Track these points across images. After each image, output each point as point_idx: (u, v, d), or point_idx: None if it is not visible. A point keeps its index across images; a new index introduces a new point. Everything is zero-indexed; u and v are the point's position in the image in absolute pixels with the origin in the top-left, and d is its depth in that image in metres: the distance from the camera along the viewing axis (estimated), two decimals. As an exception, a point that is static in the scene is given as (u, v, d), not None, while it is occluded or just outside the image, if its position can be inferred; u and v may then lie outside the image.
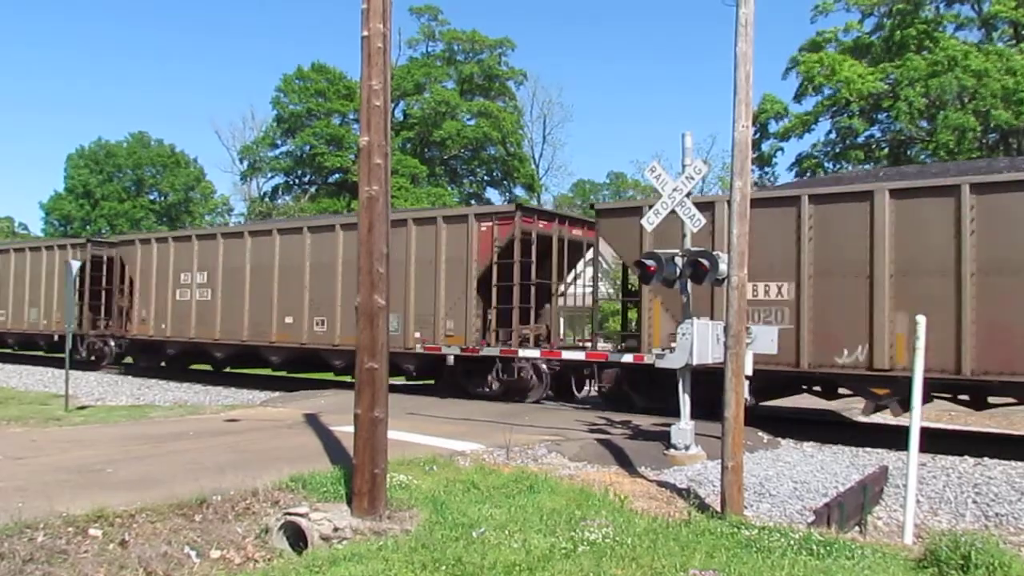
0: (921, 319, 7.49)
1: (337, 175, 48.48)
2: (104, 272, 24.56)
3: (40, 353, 27.09)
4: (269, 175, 52.92)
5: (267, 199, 51.52)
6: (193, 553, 5.97)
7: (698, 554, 5.96)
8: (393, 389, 16.14)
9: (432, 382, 18.63)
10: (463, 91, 49.87)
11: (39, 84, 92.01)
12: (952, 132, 28.95)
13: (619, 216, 14.96)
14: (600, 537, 6.26)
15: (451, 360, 16.14)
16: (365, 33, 6.85)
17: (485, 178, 52.69)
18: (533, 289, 16.02)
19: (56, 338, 23.83)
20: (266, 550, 6.26)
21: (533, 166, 53.11)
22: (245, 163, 53.37)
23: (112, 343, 24.04)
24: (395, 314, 15.53)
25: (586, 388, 17.01)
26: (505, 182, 51.81)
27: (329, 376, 19.52)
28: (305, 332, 18.74)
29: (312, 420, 12.23)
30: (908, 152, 34.46)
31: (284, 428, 11.88)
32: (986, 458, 11.13)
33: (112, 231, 49.99)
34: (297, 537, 6.31)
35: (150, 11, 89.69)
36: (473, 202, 47.24)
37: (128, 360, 24.65)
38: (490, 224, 16.17)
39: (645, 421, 12.94)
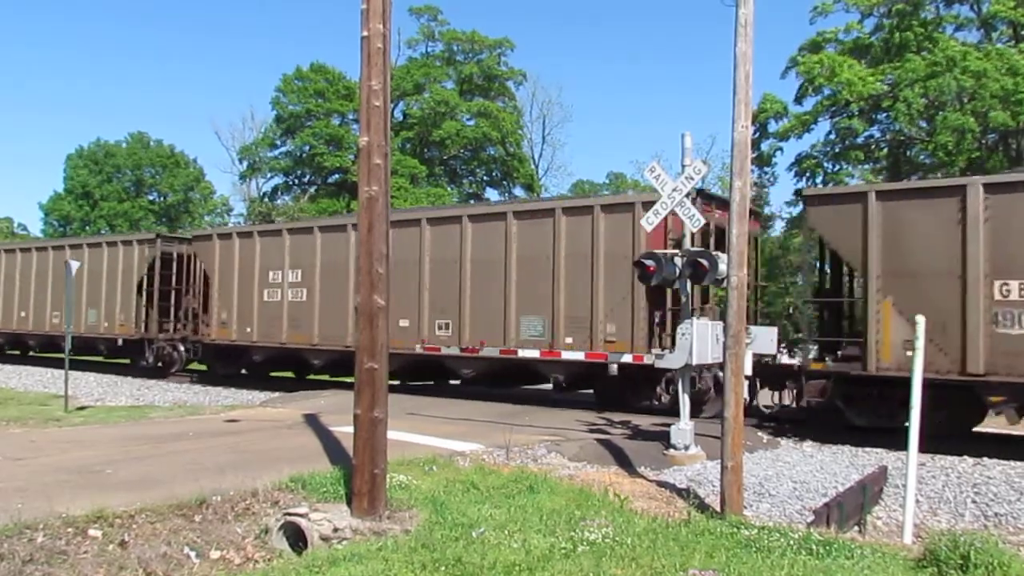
0: (920, 319, 7.49)
1: (337, 175, 48.44)
2: (174, 270, 22.41)
3: (97, 359, 25.02)
4: (268, 175, 52.89)
5: (267, 199, 51.48)
6: (193, 554, 5.97)
7: (698, 554, 5.97)
8: (523, 399, 16.43)
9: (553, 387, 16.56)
10: (462, 91, 49.85)
11: (38, 84, 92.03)
12: (951, 133, 28.96)
13: (836, 203, 12.82)
14: (600, 537, 6.27)
15: (614, 369, 13.66)
16: (365, 33, 6.85)
17: (484, 178, 52.67)
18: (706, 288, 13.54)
19: (120, 342, 22.46)
20: (266, 550, 6.26)
21: (533, 166, 53.07)
22: (244, 163, 53.35)
23: (182, 348, 21.94)
24: (538, 316, 14.72)
25: (768, 397, 13.89)
26: (505, 182, 51.77)
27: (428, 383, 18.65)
28: (425, 336, 16.44)
29: (312, 420, 12.23)
30: (908, 153, 34.46)
31: (284, 428, 11.88)
32: (985, 458, 11.13)
33: (111, 231, 49.96)
34: (297, 537, 6.31)
35: (149, 11, 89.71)
36: (472, 202, 47.21)
37: (200, 366, 22.84)
38: None
39: (644, 421, 12.95)
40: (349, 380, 17.59)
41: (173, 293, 22.53)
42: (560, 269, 14.69)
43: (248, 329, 19.72)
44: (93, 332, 23.36)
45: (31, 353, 26.73)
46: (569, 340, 14.47)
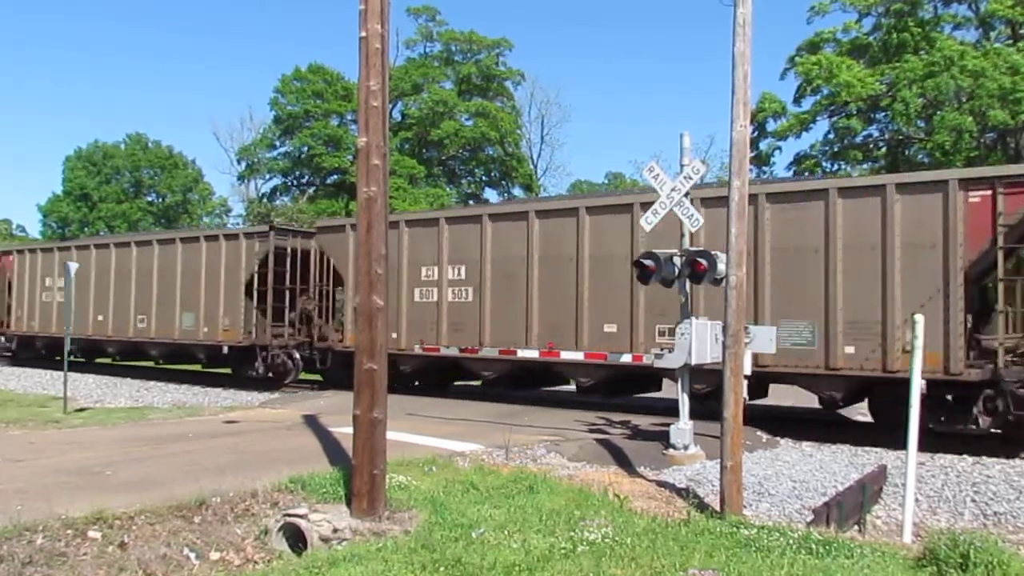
0: (919, 317, 7.49)
1: (335, 176, 48.41)
2: (287, 267, 19.42)
3: (193, 368, 22.62)
4: (267, 176, 52.86)
5: (265, 200, 51.46)
6: (192, 555, 5.97)
7: (697, 553, 5.97)
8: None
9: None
10: (461, 91, 49.84)
11: (37, 85, 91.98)
12: (949, 133, 28.98)
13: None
14: (599, 537, 6.26)
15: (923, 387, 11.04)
16: (363, 34, 6.85)
17: (483, 178, 52.68)
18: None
19: (225, 350, 19.78)
20: (265, 551, 6.26)
21: (531, 166, 53.08)
22: (243, 164, 53.35)
23: (297, 355, 19.33)
24: (805, 321, 12.23)
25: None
26: (504, 182, 51.78)
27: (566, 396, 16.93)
28: (640, 343, 13.51)
29: (311, 421, 12.23)
30: (906, 152, 34.47)
31: (283, 429, 11.88)
32: (984, 457, 11.13)
33: (110, 232, 49.92)
34: (296, 538, 6.31)
35: (148, 12, 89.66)
36: (471, 202, 47.22)
37: (312, 376, 20.04)
38: (987, 193, 11.26)
39: (644, 421, 12.95)
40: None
41: (287, 293, 19.47)
42: (836, 263, 12.14)
43: (394, 335, 16.36)
44: (190, 338, 20.66)
45: (111, 361, 24.47)
46: (850, 350, 11.96)
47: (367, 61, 6.86)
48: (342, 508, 6.73)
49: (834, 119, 35.00)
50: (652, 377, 14.14)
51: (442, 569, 5.45)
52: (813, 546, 6.21)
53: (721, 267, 9.33)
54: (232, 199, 60.59)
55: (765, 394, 13.98)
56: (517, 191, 50.92)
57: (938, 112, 30.26)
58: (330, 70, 48.35)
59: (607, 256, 14.07)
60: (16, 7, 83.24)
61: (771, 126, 36.37)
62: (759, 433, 12.27)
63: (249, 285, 19.28)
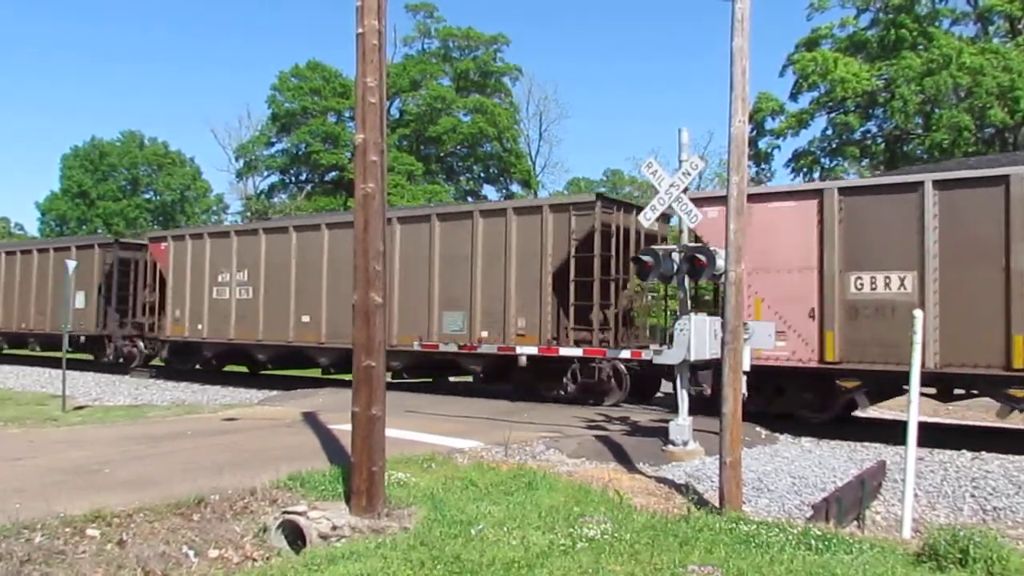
0: (918, 314, 7.49)
1: (333, 173, 48.41)
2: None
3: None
4: (265, 173, 52.86)
5: (263, 197, 51.44)
6: (191, 552, 5.95)
7: (697, 550, 5.96)
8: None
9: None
10: (459, 88, 49.83)
11: (35, 85, 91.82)
12: (947, 131, 28.99)
13: None
14: (599, 533, 6.26)
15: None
16: (360, 30, 6.83)
17: (481, 175, 52.67)
18: None
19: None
20: (264, 549, 6.25)
21: (529, 163, 53.07)
22: (241, 161, 53.30)
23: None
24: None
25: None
26: (502, 179, 51.78)
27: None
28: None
29: (310, 419, 12.22)
30: (904, 149, 34.49)
31: (282, 427, 11.86)
32: (984, 452, 11.14)
33: (108, 231, 49.87)
34: (295, 536, 6.30)
35: (146, 11, 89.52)
36: (470, 199, 47.17)
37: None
38: None
39: (643, 417, 12.95)
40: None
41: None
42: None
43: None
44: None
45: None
46: None
47: (364, 57, 6.83)
48: (341, 505, 6.72)
49: (832, 115, 35.01)
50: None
51: (441, 566, 5.44)
52: (812, 542, 6.21)
53: (720, 263, 9.32)
54: (230, 196, 60.64)
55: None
56: (515, 188, 50.93)
57: (936, 110, 30.28)
58: (328, 67, 48.35)
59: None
60: (14, 7, 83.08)
61: (770, 124, 36.38)
62: (758, 429, 12.27)
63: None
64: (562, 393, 15.04)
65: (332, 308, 17.79)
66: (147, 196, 58.66)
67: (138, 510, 6.37)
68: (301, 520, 6.28)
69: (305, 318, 18.48)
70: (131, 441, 10.45)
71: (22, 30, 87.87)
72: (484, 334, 15.61)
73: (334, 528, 6.34)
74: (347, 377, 17.44)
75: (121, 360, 23.42)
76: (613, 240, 14.99)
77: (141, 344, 23.20)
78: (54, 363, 23.42)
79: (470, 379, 17.68)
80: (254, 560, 6.07)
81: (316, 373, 19.41)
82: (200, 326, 20.76)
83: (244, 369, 22.36)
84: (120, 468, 8.44)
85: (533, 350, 14.58)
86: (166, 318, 21.48)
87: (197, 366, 21.91)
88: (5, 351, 27.81)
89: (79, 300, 22.87)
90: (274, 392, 18.29)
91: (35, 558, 5.44)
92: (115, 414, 14.20)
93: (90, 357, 24.51)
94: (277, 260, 19.23)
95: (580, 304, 14.91)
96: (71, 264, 16.59)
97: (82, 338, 23.17)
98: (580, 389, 14.91)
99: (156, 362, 23.69)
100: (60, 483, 7.57)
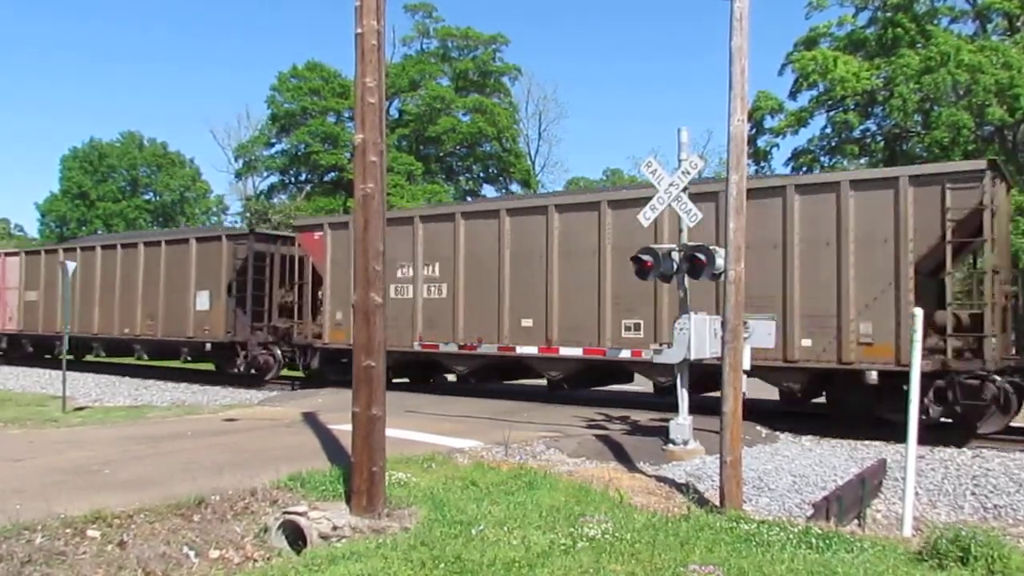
0: (918, 311, 7.49)
1: (332, 173, 48.37)
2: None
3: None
4: (264, 174, 52.85)
5: (263, 198, 51.42)
6: (192, 553, 5.95)
7: (698, 549, 5.96)
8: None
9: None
10: (458, 88, 49.82)
11: (34, 86, 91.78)
12: (946, 129, 28.97)
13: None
14: (599, 533, 6.26)
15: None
16: (359, 30, 6.82)
17: (480, 175, 52.65)
18: None
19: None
20: (265, 549, 6.25)
21: (529, 163, 53.06)
22: (240, 162, 53.30)
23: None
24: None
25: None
26: (501, 178, 51.77)
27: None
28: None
29: (310, 419, 12.21)
30: (903, 147, 34.46)
31: (282, 427, 11.86)
32: (984, 450, 11.14)
33: (108, 231, 49.85)
34: (296, 536, 6.30)
35: (145, 12, 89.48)
36: (469, 198, 47.17)
37: None
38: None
39: (643, 416, 12.94)
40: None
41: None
42: None
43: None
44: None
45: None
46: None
47: (363, 57, 6.83)
48: (341, 506, 6.72)
49: (831, 114, 35.00)
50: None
51: (442, 566, 5.44)
52: (813, 540, 6.21)
53: (719, 262, 9.32)
54: (229, 197, 60.63)
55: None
56: (515, 187, 50.92)
57: (935, 108, 30.27)
58: (327, 67, 48.31)
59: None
60: (13, 7, 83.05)
61: (769, 123, 36.36)
62: (758, 428, 12.27)
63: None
64: (923, 417, 10.03)
65: (566, 306, 14.70)
66: (147, 197, 58.62)
67: (138, 511, 6.37)
68: (302, 520, 6.28)
69: (527, 322, 15.11)
70: (131, 441, 10.45)
71: (22, 30, 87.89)
72: (806, 343, 12.39)
73: (335, 528, 6.33)
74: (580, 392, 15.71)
75: (254, 371, 19.97)
76: (991, 220, 11.43)
77: (278, 352, 19.86)
78: (168, 374, 22.58)
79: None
80: (255, 560, 6.06)
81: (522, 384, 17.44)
82: None
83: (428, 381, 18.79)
84: (120, 469, 8.44)
85: (886, 364, 11.66)
86: (323, 321, 17.94)
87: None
88: (103, 358, 24.77)
89: (202, 301, 20.27)
90: (274, 392, 18.28)
91: (36, 559, 5.44)
92: (115, 415, 14.20)
93: (211, 367, 21.88)
94: (481, 250, 15.83)
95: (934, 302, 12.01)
96: (71, 265, 16.57)
97: (207, 345, 20.24)
98: (947, 412, 11.59)
99: (285, 372, 20.51)
100: (60, 484, 7.57)
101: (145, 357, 22.56)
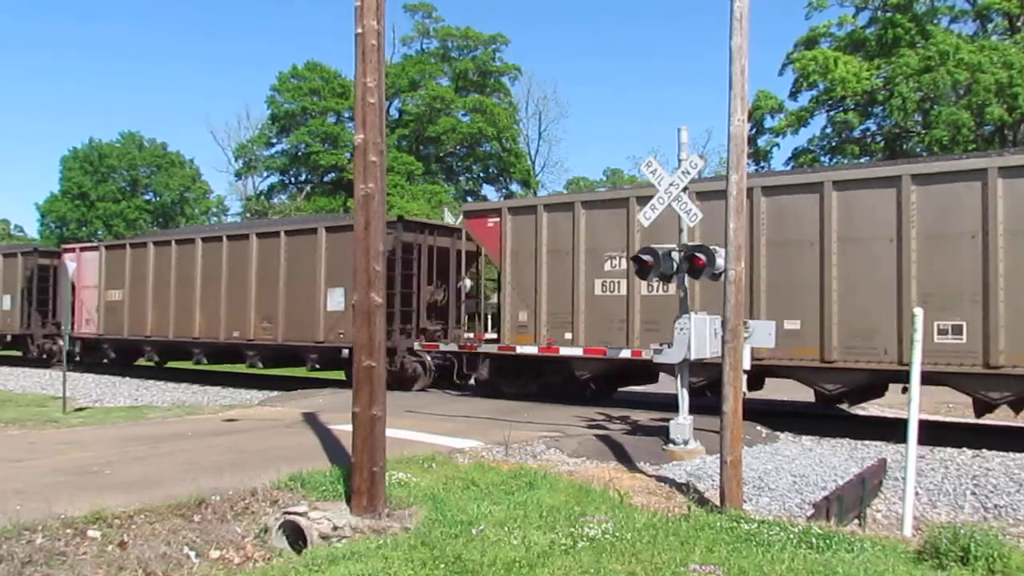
0: (919, 311, 7.49)
1: (333, 173, 48.42)
2: None
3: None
4: (264, 174, 52.92)
5: (263, 198, 51.45)
6: (192, 553, 5.95)
7: (698, 549, 5.96)
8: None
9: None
10: (458, 88, 49.86)
11: (34, 87, 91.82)
12: (946, 128, 28.98)
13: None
14: (600, 533, 6.25)
15: None
16: (359, 30, 6.82)
17: (481, 175, 52.68)
18: None
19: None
20: (265, 549, 6.25)
21: (529, 162, 53.08)
22: (240, 162, 53.33)
23: None
24: None
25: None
26: (501, 178, 51.79)
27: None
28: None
29: (310, 419, 12.21)
30: (904, 146, 34.49)
31: (282, 427, 11.86)
32: (984, 450, 11.14)
33: (108, 232, 49.84)
34: (296, 536, 6.30)
35: (145, 12, 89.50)
36: (470, 198, 47.14)
37: None
38: None
39: (643, 416, 12.94)
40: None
41: None
42: None
43: None
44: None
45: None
46: None
47: (363, 57, 6.83)
48: (342, 506, 6.72)
49: (831, 114, 35.01)
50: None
51: (442, 566, 5.44)
52: (814, 540, 6.20)
53: (720, 262, 9.32)
54: (229, 197, 60.67)
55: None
56: (515, 187, 50.93)
57: (935, 107, 30.27)
58: (327, 68, 48.41)
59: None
60: (12, 8, 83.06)
61: (769, 122, 36.38)
62: (759, 428, 12.27)
63: None
64: None
65: (846, 308, 12.25)
66: (147, 197, 58.63)
67: (139, 511, 6.37)
68: (302, 520, 6.28)
69: (792, 324, 12.57)
70: (132, 442, 10.45)
71: (22, 30, 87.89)
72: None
73: (335, 528, 6.33)
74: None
75: (402, 381, 17.21)
76: None
77: (427, 358, 17.51)
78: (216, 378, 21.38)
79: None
80: (255, 561, 6.06)
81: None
82: (568, 335, 14.65)
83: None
84: (121, 469, 8.44)
85: None
86: (503, 322, 15.72)
87: (545, 390, 15.50)
88: (204, 366, 22.00)
89: (334, 300, 17.94)
90: (274, 393, 18.28)
91: (36, 560, 5.44)
92: (115, 415, 14.20)
93: (339, 376, 18.98)
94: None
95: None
96: (71, 266, 16.56)
97: (344, 351, 17.24)
98: None
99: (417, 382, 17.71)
100: (60, 484, 7.57)
101: (260, 365, 20.09)
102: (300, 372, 20.13)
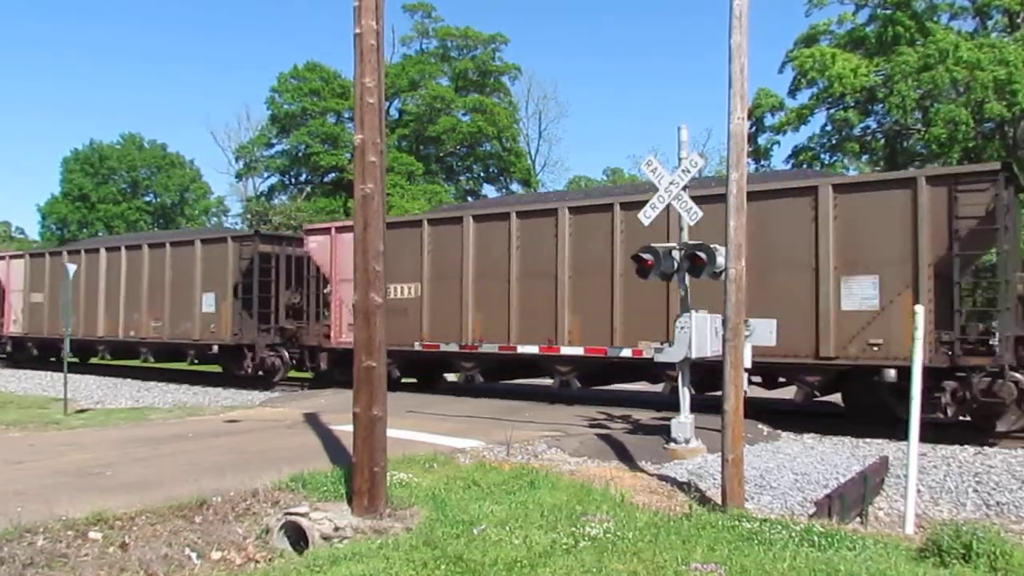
0: (919, 309, 7.49)
1: (332, 174, 48.37)
2: None
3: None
4: (265, 175, 52.89)
5: (263, 199, 51.43)
6: (194, 554, 5.95)
7: (700, 547, 5.95)
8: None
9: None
10: (457, 87, 49.82)
11: (34, 87, 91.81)
12: (945, 125, 28.95)
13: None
14: (601, 532, 6.25)
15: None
16: (358, 30, 6.82)
17: (481, 175, 52.65)
18: None
19: None
20: (267, 550, 6.24)
21: (529, 162, 53.05)
22: (240, 163, 53.34)
23: None
24: None
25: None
26: (501, 178, 51.77)
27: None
28: None
29: (312, 420, 12.22)
30: (904, 144, 34.44)
31: (284, 428, 11.86)
32: (986, 447, 11.13)
33: (109, 233, 49.83)
34: (298, 537, 6.30)
35: (145, 12, 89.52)
36: (470, 198, 47.15)
37: None
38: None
39: (644, 415, 12.93)
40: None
41: None
42: None
43: None
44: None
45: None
46: None
47: (362, 58, 6.82)
48: (343, 506, 6.72)
49: (831, 112, 34.98)
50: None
51: (444, 566, 5.43)
52: (815, 538, 6.19)
53: (720, 260, 9.31)
54: (230, 198, 60.66)
55: None
56: (515, 187, 50.91)
57: (934, 104, 30.24)
58: (327, 68, 48.35)
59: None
60: (12, 8, 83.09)
61: (769, 120, 36.34)
62: (760, 426, 12.26)
63: None
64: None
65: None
66: (147, 199, 58.62)
67: (140, 512, 6.37)
68: (303, 521, 6.28)
69: None
70: (133, 443, 10.46)
71: (23, 31, 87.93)
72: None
73: (336, 529, 6.33)
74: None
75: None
76: None
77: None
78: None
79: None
80: (257, 562, 6.06)
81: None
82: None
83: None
84: (122, 470, 8.45)
85: None
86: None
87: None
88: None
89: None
90: (276, 393, 18.28)
91: (37, 561, 5.44)
92: (117, 417, 14.20)
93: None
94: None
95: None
96: (71, 267, 16.55)
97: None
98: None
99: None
100: (62, 486, 7.57)
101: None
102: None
